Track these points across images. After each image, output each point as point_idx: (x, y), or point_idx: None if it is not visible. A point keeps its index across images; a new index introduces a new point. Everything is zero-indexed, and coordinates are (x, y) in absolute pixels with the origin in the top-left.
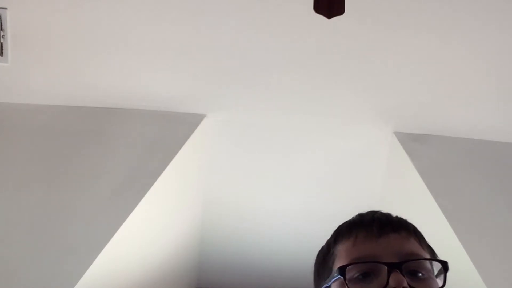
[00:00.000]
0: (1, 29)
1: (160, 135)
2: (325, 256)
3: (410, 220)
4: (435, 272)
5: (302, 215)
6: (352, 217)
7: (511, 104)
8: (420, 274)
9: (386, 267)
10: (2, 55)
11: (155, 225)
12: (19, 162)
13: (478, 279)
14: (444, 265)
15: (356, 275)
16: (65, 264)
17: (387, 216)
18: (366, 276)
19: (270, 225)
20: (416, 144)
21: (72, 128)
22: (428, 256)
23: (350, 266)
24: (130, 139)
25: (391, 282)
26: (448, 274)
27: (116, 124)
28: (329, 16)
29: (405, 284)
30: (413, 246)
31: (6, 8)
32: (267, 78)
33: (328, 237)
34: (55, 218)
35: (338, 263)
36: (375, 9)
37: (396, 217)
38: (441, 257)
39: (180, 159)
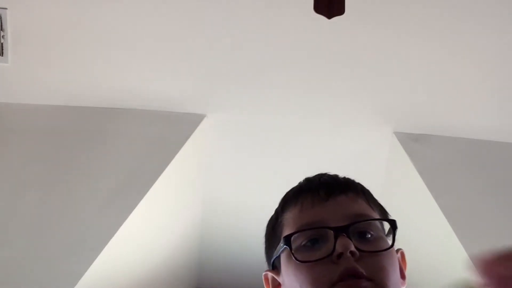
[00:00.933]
0: (1, 29)
1: (160, 135)
2: (273, 226)
3: (410, 220)
4: (386, 231)
5: None
6: (299, 182)
7: (510, 104)
8: (369, 235)
9: (332, 231)
10: (2, 55)
11: (155, 225)
12: (19, 162)
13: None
14: (392, 224)
15: (304, 242)
16: (65, 264)
17: (335, 178)
18: (314, 242)
19: None
20: (416, 144)
21: (72, 128)
22: (377, 216)
23: (295, 235)
24: (130, 139)
25: (338, 247)
26: (397, 232)
27: (116, 124)
28: (329, 16)
29: (352, 247)
30: (360, 206)
31: (6, 8)
32: (267, 78)
33: None
34: (55, 218)
35: (285, 232)
36: (375, 10)
37: (344, 178)
38: (441, 257)
39: (180, 159)
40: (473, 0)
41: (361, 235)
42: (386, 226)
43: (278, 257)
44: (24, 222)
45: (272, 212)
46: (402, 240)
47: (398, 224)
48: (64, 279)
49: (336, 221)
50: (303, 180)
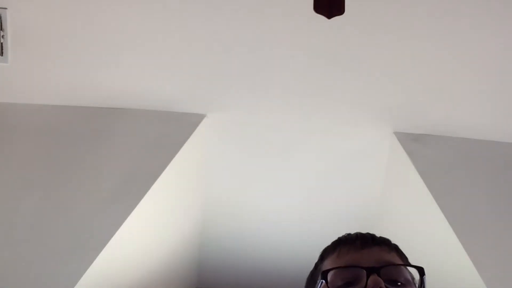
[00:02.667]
0: (1, 29)
1: (160, 135)
2: (312, 274)
3: (409, 221)
4: (416, 284)
5: (302, 215)
6: (338, 237)
7: (510, 104)
8: (399, 283)
9: (365, 271)
10: (2, 55)
11: (155, 225)
12: (19, 162)
13: (478, 279)
14: (420, 271)
15: (340, 283)
16: (65, 264)
17: (371, 234)
18: (348, 284)
19: (270, 224)
20: (416, 144)
21: (72, 128)
22: (408, 272)
23: (332, 271)
24: (130, 139)
25: (369, 283)
26: (441, 277)
27: (116, 124)
28: (329, 16)
29: (382, 284)
30: (393, 257)
31: (6, 8)
32: (267, 78)
33: (326, 236)
34: (55, 218)
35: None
36: (375, 10)
37: (380, 236)
38: (441, 257)
39: (180, 159)
40: (473, 1)
41: (392, 282)
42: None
43: None
44: (24, 222)
45: (272, 212)
46: (402, 240)
47: (398, 224)
48: (64, 279)
49: (369, 264)
50: (343, 235)
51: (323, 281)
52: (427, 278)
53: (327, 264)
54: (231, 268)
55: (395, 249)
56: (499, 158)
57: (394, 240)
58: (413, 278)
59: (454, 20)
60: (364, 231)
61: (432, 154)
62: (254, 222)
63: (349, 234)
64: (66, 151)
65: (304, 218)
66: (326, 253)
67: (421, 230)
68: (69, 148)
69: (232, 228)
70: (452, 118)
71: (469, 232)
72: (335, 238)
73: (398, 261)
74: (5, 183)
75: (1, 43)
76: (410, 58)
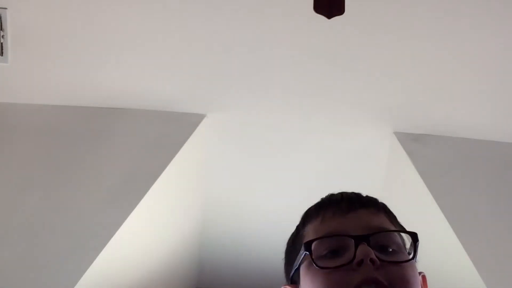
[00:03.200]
0: (1, 29)
1: (160, 135)
2: (293, 240)
3: (409, 221)
4: (408, 248)
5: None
6: (321, 198)
7: (511, 104)
8: (390, 249)
9: (353, 240)
10: (2, 55)
11: (155, 225)
12: (19, 162)
13: (478, 279)
14: (413, 236)
15: (324, 252)
16: (65, 264)
17: (357, 194)
18: (334, 253)
19: (270, 224)
20: (416, 144)
21: (72, 128)
22: (399, 236)
23: (316, 241)
24: (130, 139)
25: (358, 254)
26: (419, 244)
27: (116, 124)
28: (329, 16)
29: (373, 255)
30: (381, 220)
31: (6, 8)
32: (267, 78)
33: None
34: (55, 218)
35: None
36: (375, 10)
37: (367, 195)
38: (441, 257)
39: (180, 159)
40: (473, 1)
41: (382, 248)
42: (407, 242)
43: (298, 270)
44: (24, 221)
45: (272, 212)
46: None
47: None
48: (64, 279)
49: (357, 231)
50: (326, 195)
51: (307, 252)
52: (427, 276)
53: (309, 231)
54: (231, 268)
55: (383, 209)
56: (499, 158)
57: None
58: (404, 242)
59: (454, 20)
60: None
61: (432, 154)
62: (254, 222)
63: (332, 195)
64: (66, 151)
65: None
66: (308, 216)
67: (421, 230)
68: (69, 148)
69: (232, 228)
70: (452, 118)
71: (469, 232)
72: None
73: (388, 223)
74: (5, 183)
75: (1, 43)
76: (410, 58)
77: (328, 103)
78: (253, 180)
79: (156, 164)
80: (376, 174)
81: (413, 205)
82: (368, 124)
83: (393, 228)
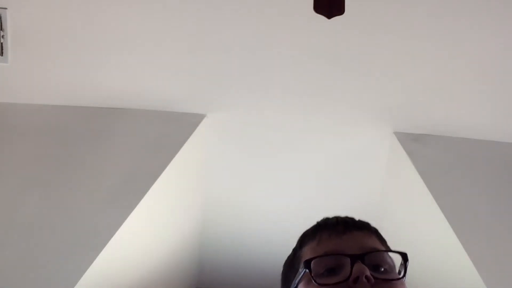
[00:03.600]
0: (1, 29)
1: (160, 135)
2: (291, 261)
3: (409, 221)
4: (398, 267)
5: (302, 215)
6: (317, 221)
7: (511, 104)
8: (382, 269)
9: (349, 259)
10: (2, 55)
11: (155, 225)
12: (19, 162)
13: (478, 279)
14: (404, 256)
15: (322, 271)
16: (65, 264)
17: (351, 218)
18: (331, 271)
19: (270, 224)
20: (416, 144)
21: (72, 128)
22: (390, 257)
23: (315, 260)
24: (130, 139)
25: (354, 271)
26: (408, 265)
27: (116, 124)
28: (329, 16)
29: (368, 273)
30: (375, 242)
31: (6, 8)
32: (267, 78)
33: None
34: (55, 218)
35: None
36: (375, 10)
37: (359, 219)
38: (441, 257)
39: (180, 159)
40: (473, 1)
41: (375, 267)
42: (397, 263)
43: (296, 287)
44: (24, 221)
45: (272, 212)
46: (402, 240)
47: (398, 224)
48: (64, 279)
49: (352, 250)
50: (321, 219)
51: (307, 270)
52: (427, 276)
53: (307, 251)
54: (231, 268)
55: (375, 232)
56: (499, 158)
57: (394, 240)
58: (394, 263)
59: (454, 20)
60: None
61: (432, 154)
62: (254, 222)
63: (328, 219)
64: (66, 151)
65: (304, 218)
66: (305, 238)
67: (421, 230)
68: (69, 148)
69: (232, 228)
70: (452, 118)
71: (469, 232)
72: None
73: (379, 245)
74: (5, 183)
75: (1, 43)
76: (410, 58)
77: (328, 103)
78: (253, 180)
79: (156, 164)
80: (376, 174)
81: (413, 205)
82: (368, 124)
83: (384, 249)
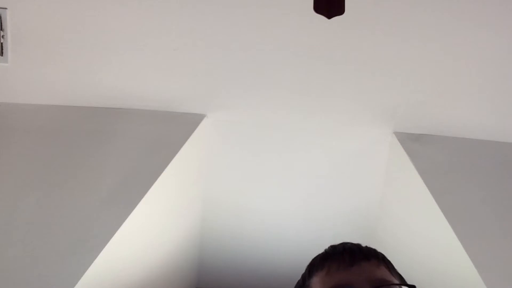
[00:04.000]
0: (1, 29)
1: (160, 135)
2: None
3: (409, 221)
4: None
5: (302, 215)
6: (325, 249)
7: (511, 104)
8: None
9: None
10: (2, 55)
11: (155, 225)
12: (19, 162)
13: (478, 279)
14: None
15: None
16: (65, 264)
17: (358, 245)
18: None
19: (270, 224)
20: (416, 144)
21: (72, 128)
22: (398, 282)
23: None
24: (130, 139)
25: None
26: (447, 277)
27: (116, 124)
28: (329, 16)
29: None
30: (383, 273)
31: (6, 8)
32: (267, 78)
33: (326, 236)
34: (55, 217)
35: None
36: (375, 10)
37: (366, 246)
38: (441, 257)
39: (180, 159)
40: (473, 1)
41: None
42: None
43: None
44: (24, 222)
45: (272, 212)
46: (402, 241)
47: (398, 224)
48: (64, 279)
49: (361, 284)
50: (328, 247)
51: None
52: (427, 276)
53: (316, 282)
54: (231, 268)
55: (383, 260)
56: (499, 158)
57: (394, 240)
58: None
59: (454, 20)
60: (364, 231)
61: (432, 154)
62: (254, 222)
63: (335, 247)
64: (66, 151)
65: (304, 218)
66: (314, 268)
67: (421, 230)
68: (69, 148)
69: (232, 228)
70: (452, 118)
71: (469, 232)
72: (335, 238)
73: (388, 274)
74: (5, 183)
75: (1, 43)
76: (410, 58)
77: (328, 103)
78: (253, 179)
79: (156, 164)
80: (376, 174)
81: (413, 205)
82: (368, 124)
83: (393, 279)
